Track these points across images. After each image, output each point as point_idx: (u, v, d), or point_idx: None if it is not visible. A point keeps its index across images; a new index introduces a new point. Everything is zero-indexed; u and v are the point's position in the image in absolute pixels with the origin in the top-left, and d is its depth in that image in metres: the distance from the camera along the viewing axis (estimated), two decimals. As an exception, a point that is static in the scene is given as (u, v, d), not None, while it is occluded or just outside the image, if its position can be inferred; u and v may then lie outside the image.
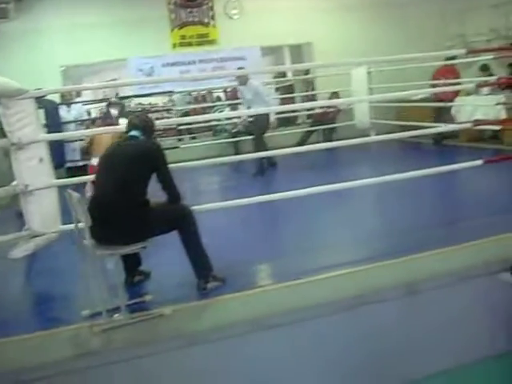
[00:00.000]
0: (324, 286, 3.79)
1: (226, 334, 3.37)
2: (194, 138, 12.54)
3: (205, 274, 3.87)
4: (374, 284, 3.73)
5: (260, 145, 8.50)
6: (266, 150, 8.14)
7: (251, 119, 9.33)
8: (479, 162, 5.28)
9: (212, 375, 3.34)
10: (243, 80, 8.55)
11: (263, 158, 8.35)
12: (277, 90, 12.93)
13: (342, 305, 3.53)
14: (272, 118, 8.63)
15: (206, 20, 11.87)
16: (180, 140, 11.63)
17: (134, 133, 3.85)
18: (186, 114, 12.55)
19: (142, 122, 3.93)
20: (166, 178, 3.79)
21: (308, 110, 11.86)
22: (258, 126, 8.65)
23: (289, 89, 12.89)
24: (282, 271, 4.33)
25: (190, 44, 11.84)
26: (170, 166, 3.85)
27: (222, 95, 13.90)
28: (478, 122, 5.78)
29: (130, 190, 3.62)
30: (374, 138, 6.16)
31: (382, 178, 5.08)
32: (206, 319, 3.55)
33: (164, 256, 4.44)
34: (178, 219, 3.81)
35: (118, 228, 3.53)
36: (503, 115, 8.51)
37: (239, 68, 9.34)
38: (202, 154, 9.29)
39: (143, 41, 11.02)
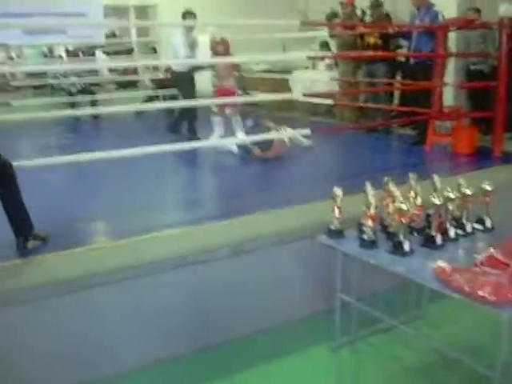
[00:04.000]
0: (151, 246, 3.79)
1: (47, 292, 3.25)
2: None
3: (25, 232, 3.70)
4: (201, 245, 3.79)
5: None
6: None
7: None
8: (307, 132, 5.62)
9: (31, 335, 3.22)
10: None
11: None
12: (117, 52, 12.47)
13: (169, 264, 3.56)
14: None
15: (45, -29, 11.18)
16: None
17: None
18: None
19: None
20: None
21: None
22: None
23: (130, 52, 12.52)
24: (108, 230, 4.32)
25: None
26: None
27: (63, 54, 13.13)
28: (306, 93, 6.06)
29: None
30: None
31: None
32: (25, 278, 3.40)
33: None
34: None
35: None
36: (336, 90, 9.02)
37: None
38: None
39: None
